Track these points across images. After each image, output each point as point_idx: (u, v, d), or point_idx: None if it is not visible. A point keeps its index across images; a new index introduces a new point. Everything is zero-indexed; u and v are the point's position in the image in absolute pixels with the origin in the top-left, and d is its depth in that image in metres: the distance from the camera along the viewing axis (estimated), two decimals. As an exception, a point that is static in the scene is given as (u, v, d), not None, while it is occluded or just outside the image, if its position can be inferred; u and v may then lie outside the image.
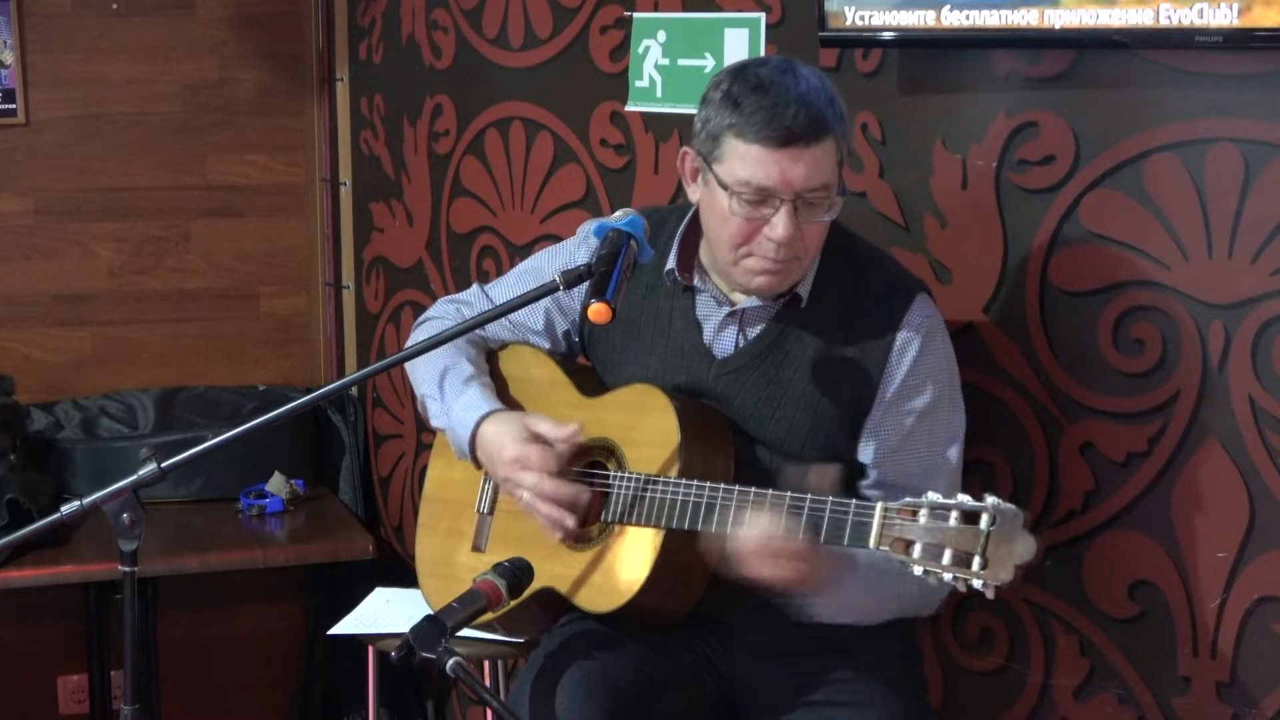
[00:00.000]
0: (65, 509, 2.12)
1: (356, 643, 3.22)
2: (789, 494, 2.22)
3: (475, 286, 2.72)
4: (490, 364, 2.65)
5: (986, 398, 2.54)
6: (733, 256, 2.34)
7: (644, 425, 2.41)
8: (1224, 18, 2.11)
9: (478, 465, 2.53)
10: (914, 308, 2.37)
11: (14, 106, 4.10)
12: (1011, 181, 2.48)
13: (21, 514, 3.65)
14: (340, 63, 4.21)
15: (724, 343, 2.44)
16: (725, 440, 2.40)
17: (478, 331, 2.61)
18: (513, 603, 2.34)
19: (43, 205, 4.17)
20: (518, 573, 2.32)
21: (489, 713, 2.96)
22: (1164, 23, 2.18)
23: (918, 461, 2.37)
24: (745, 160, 2.27)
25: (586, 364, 2.65)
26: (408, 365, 2.66)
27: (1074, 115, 2.39)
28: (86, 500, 2.11)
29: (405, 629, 2.19)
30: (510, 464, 2.43)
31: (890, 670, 2.43)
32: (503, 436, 2.45)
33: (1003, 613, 2.58)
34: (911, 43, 2.51)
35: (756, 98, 2.25)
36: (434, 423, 2.60)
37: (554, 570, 2.44)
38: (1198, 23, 2.14)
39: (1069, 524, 2.46)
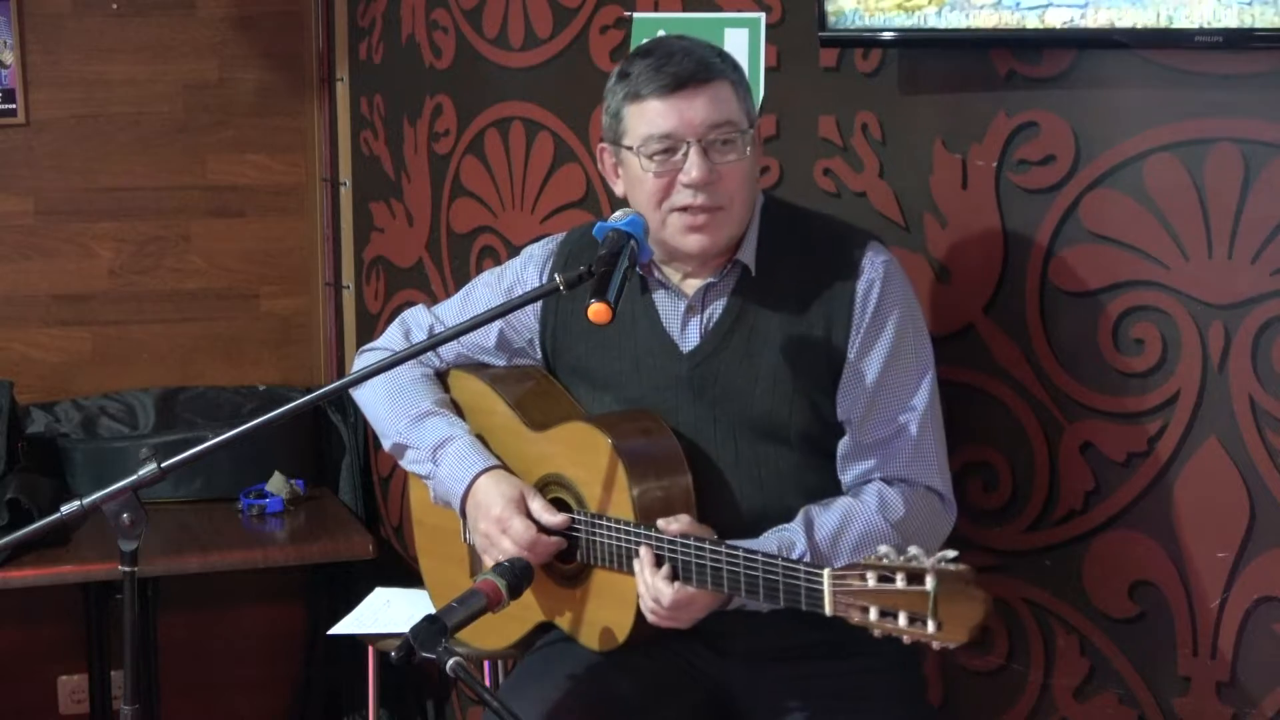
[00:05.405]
0: (65, 509, 2.12)
1: (356, 643, 3.23)
2: (743, 551, 2.18)
3: (420, 307, 2.69)
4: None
5: (986, 398, 2.54)
6: (659, 217, 2.34)
7: (593, 465, 2.38)
8: (1224, 18, 2.11)
9: (462, 515, 2.50)
10: (869, 254, 2.37)
11: (14, 106, 4.10)
12: (1011, 181, 2.48)
13: (21, 514, 3.65)
14: (340, 63, 4.21)
15: (690, 335, 2.43)
16: (679, 467, 2.37)
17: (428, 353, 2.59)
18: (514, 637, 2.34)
19: (43, 205, 4.17)
20: (518, 572, 2.32)
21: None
22: (1164, 23, 2.18)
23: (893, 401, 2.35)
24: (645, 117, 2.32)
25: (536, 388, 2.58)
26: (364, 398, 2.63)
27: (1074, 115, 2.39)
28: (86, 500, 2.11)
29: (405, 629, 2.19)
30: (494, 521, 2.42)
31: (890, 671, 2.42)
32: (494, 493, 2.43)
33: (1003, 613, 2.57)
34: (911, 43, 2.51)
35: (642, 61, 2.34)
36: (413, 470, 2.57)
37: (549, 605, 2.46)
38: (1198, 23, 2.14)
39: (1069, 524, 2.45)
